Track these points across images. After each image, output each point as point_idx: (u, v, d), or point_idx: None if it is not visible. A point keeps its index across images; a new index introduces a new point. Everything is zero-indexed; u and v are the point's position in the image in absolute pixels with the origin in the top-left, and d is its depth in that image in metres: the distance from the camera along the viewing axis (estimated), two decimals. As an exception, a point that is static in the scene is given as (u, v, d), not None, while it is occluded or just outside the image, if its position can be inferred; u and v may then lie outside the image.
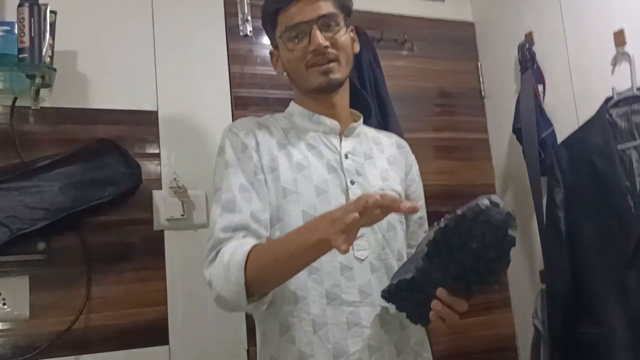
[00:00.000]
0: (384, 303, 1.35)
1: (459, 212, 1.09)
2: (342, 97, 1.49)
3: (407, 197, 1.54)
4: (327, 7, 1.40)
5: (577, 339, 1.95)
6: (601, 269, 1.91)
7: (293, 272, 1.25)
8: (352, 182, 1.40)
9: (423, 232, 1.57)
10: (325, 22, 1.40)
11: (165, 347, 1.89)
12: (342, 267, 1.33)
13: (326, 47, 1.38)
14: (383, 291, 1.29)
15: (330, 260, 1.32)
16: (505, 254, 1.12)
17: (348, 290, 1.33)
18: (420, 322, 1.30)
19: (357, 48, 1.52)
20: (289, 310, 1.32)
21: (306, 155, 1.41)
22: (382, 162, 1.50)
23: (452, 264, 1.14)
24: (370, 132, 1.58)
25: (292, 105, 1.52)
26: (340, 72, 1.41)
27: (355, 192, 1.39)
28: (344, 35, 1.42)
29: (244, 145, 1.40)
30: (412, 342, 1.39)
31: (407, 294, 1.23)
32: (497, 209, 1.08)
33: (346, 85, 1.50)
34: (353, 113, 1.55)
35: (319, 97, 1.45)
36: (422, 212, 1.59)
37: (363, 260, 1.36)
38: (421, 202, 1.59)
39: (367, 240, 1.37)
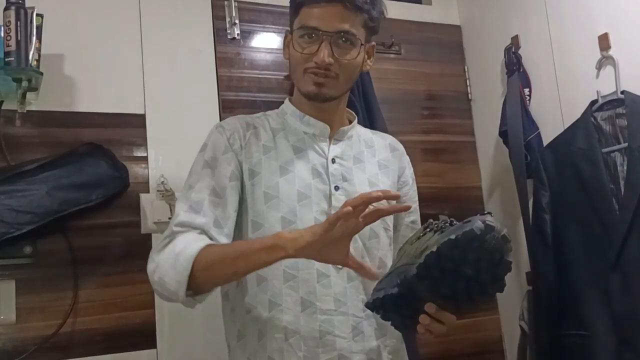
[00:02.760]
0: (358, 313, 1.34)
1: (452, 237, 1.03)
2: (338, 104, 1.46)
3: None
4: (349, 24, 1.35)
5: (562, 341, 1.97)
6: (585, 272, 1.92)
7: (237, 274, 1.25)
8: (337, 188, 1.38)
9: None
10: (341, 38, 1.35)
11: (153, 350, 1.89)
12: (318, 274, 1.32)
13: (329, 64, 1.34)
14: (368, 303, 1.23)
15: (307, 267, 1.32)
16: (500, 278, 1.09)
17: (323, 298, 1.32)
18: (406, 331, 1.28)
19: (368, 66, 1.48)
20: (265, 317, 1.32)
21: (291, 158, 1.40)
22: (372, 166, 1.48)
23: (444, 286, 1.09)
24: (365, 133, 1.56)
25: (286, 104, 1.50)
26: (334, 89, 1.38)
27: (338, 198, 1.36)
28: (355, 57, 1.37)
29: (227, 147, 1.39)
30: (386, 352, 1.39)
31: (393, 307, 1.19)
32: (493, 232, 1.03)
33: (345, 95, 1.48)
34: (349, 113, 1.53)
35: (312, 102, 1.43)
36: (415, 216, 1.56)
37: (340, 268, 1.34)
38: (414, 206, 1.56)
39: None
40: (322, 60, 1.33)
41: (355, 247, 1.36)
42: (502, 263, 1.07)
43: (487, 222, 1.03)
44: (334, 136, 1.45)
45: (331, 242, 1.13)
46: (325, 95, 1.38)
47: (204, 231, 1.30)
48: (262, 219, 1.35)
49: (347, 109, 1.54)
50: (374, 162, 1.49)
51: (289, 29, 1.46)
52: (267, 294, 1.32)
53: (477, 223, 1.03)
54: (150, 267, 1.29)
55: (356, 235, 1.34)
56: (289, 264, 1.32)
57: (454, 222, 1.14)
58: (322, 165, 1.40)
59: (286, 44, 1.46)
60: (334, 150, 1.43)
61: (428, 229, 1.17)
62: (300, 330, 1.30)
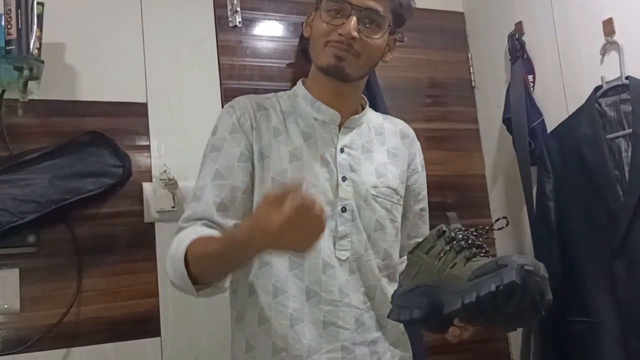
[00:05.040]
0: (359, 305, 1.34)
1: (492, 287, 1.02)
2: (353, 90, 1.45)
3: (409, 187, 1.51)
4: (378, 4, 1.34)
5: (566, 328, 1.96)
6: (590, 259, 1.91)
7: (230, 268, 1.22)
8: (344, 179, 1.37)
9: (423, 224, 1.56)
10: (368, 17, 1.34)
11: (157, 338, 1.90)
12: (324, 264, 1.32)
13: (353, 38, 1.32)
14: (392, 317, 1.25)
15: (314, 257, 1.31)
16: (540, 312, 1.09)
17: (328, 288, 1.32)
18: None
19: (388, 58, 1.46)
20: (268, 302, 1.31)
21: (301, 145, 1.38)
22: (381, 155, 1.46)
23: (482, 319, 1.11)
24: (376, 119, 1.54)
25: (299, 86, 1.48)
26: (353, 68, 1.36)
27: (345, 189, 1.36)
28: (379, 39, 1.36)
29: (236, 127, 1.37)
30: (387, 343, 1.39)
31: (420, 324, 1.22)
32: (533, 276, 1.03)
33: (361, 82, 1.46)
34: (361, 98, 1.51)
35: (328, 80, 1.40)
36: (424, 204, 1.56)
37: (344, 260, 1.34)
38: (424, 193, 1.56)
39: (350, 241, 1.35)
40: (347, 32, 1.31)
41: (360, 239, 1.36)
42: (543, 301, 1.07)
43: (525, 267, 1.02)
44: (344, 124, 1.43)
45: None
46: (343, 69, 1.35)
47: (206, 219, 1.29)
48: None
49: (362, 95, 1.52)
50: (383, 150, 1.47)
51: (312, 11, 1.44)
52: (272, 279, 1.31)
53: (515, 270, 1.01)
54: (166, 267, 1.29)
55: (361, 228, 1.37)
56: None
57: (476, 240, 1.14)
58: (330, 155, 1.39)
59: (308, 21, 1.45)
60: (343, 139, 1.42)
61: (449, 248, 1.17)
62: (305, 318, 1.30)
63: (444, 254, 1.17)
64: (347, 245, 1.35)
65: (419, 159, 1.56)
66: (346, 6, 1.33)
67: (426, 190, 1.57)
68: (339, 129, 1.43)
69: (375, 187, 1.40)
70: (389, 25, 1.38)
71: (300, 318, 1.30)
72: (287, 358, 1.29)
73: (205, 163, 1.37)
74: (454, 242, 1.17)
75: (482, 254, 1.15)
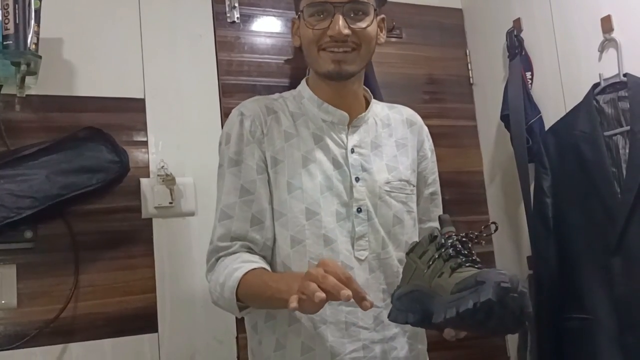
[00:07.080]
0: (378, 303, 1.35)
1: (469, 305, 1.02)
2: (355, 85, 1.43)
3: (419, 174, 1.50)
4: None
5: (563, 325, 1.97)
6: (587, 255, 1.92)
7: (276, 307, 1.29)
8: (357, 179, 1.37)
9: (435, 207, 1.55)
10: (353, 9, 1.32)
11: (154, 334, 1.90)
12: (343, 266, 1.31)
13: (347, 35, 1.30)
14: (391, 318, 1.27)
15: (331, 260, 1.32)
16: (522, 323, 1.09)
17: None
18: None
19: (382, 39, 1.44)
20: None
21: (312, 147, 1.38)
22: (390, 148, 1.45)
23: (468, 328, 1.13)
24: (382, 111, 1.52)
25: (303, 86, 1.46)
26: (355, 63, 1.35)
27: (359, 190, 1.36)
28: (370, 26, 1.35)
29: (248, 139, 1.37)
30: (406, 337, 1.39)
31: (417, 325, 1.24)
32: (510, 293, 1.02)
33: (362, 74, 1.44)
34: (365, 90, 1.50)
35: (331, 82, 1.39)
36: (434, 187, 1.55)
37: (363, 260, 1.35)
38: (433, 177, 1.55)
39: (367, 240, 1.36)
40: (338, 32, 1.29)
41: (377, 238, 1.37)
42: (523, 314, 1.07)
43: (502, 285, 1.02)
44: (352, 123, 1.42)
45: None
46: (346, 71, 1.35)
47: (241, 236, 1.33)
48: (285, 209, 1.34)
49: (364, 87, 1.50)
50: (391, 143, 1.47)
51: (295, 16, 1.43)
52: None
53: (492, 288, 1.01)
54: (209, 288, 1.35)
55: (379, 226, 1.37)
56: (313, 256, 1.32)
57: (463, 247, 1.15)
58: (342, 156, 1.39)
59: (294, 29, 1.43)
60: (352, 139, 1.41)
61: (438, 255, 1.17)
62: (327, 320, 1.31)
63: (432, 262, 1.17)
64: (365, 245, 1.35)
65: (428, 144, 1.55)
66: (328, 6, 1.31)
67: (437, 174, 1.56)
68: (348, 129, 1.42)
69: (387, 182, 1.40)
70: (374, 8, 1.36)
71: (321, 321, 1.31)
72: (316, 357, 1.31)
73: (229, 178, 1.37)
74: (443, 250, 1.17)
75: (468, 264, 1.15)
